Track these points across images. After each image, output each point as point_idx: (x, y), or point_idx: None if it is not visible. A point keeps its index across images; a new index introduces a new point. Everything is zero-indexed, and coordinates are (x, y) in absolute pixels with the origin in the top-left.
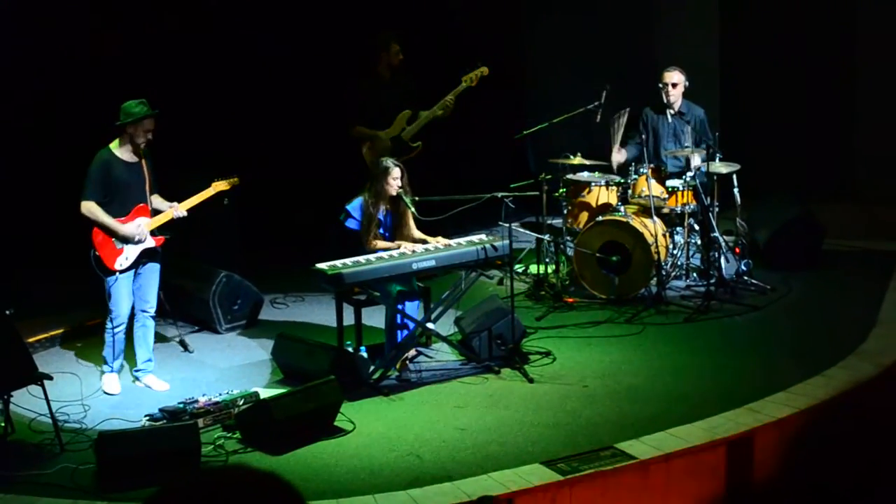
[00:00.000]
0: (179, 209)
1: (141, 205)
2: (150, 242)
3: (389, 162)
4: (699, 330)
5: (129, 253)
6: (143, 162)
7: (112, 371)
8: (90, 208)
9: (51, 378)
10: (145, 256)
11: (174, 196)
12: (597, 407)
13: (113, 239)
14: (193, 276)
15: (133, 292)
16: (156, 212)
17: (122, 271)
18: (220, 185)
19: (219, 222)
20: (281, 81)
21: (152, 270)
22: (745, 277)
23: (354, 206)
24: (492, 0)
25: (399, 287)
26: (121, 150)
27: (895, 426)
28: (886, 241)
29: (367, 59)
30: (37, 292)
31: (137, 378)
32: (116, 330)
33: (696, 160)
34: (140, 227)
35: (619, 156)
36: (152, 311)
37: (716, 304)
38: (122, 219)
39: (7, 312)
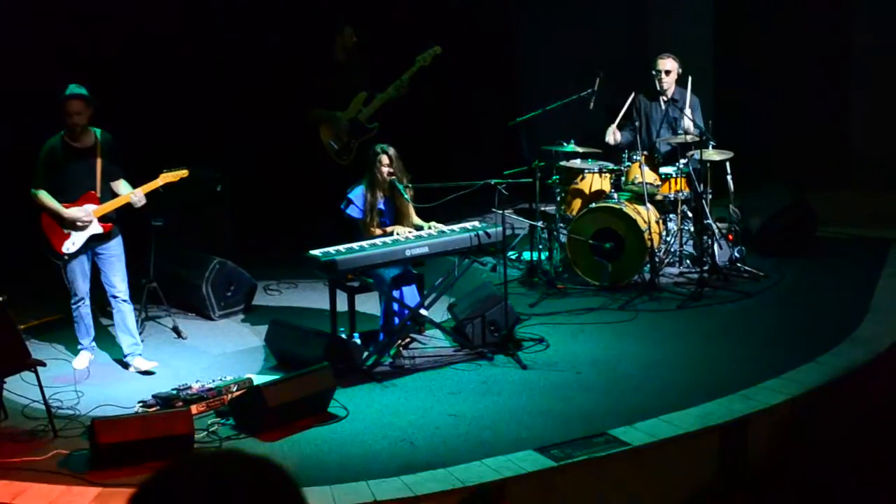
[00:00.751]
0: (137, 195)
1: (89, 191)
2: (97, 228)
3: (379, 147)
4: (692, 317)
5: (76, 237)
6: (98, 148)
7: (83, 348)
8: (37, 194)
9: (44, 364)
10: (96, 241)
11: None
12: (590, 393)
13: (60, 224)
14: (186, 262)
15: (101, 281)
16: (115, 197)
17: (70, 255)
18: (167, 177)
19: (211, 209)
20: (261, 69)
21: (112, 255)
22: (739, 264)
23: (356, 193)
24: None
25: (395, 271)
26: (69, 136)
27: (888, 412)
28: (879, 228)
29: (323, 43)
30: (30, 279)
31: (128, 364)
32: (76, 306)
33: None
34: (85, 213)
35: (614, 136)
36: (122, 294)
37: (709, 290)
38: (69, 204)
39: (1, 299)
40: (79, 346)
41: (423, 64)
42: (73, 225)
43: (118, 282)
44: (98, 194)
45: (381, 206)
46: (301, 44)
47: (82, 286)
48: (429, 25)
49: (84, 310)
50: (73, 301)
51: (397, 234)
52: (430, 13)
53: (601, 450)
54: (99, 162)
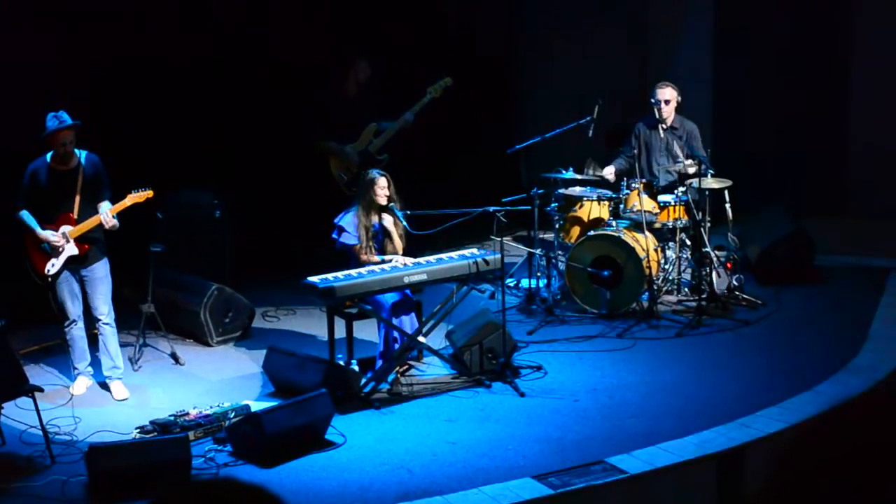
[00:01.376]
0: (108, 215)
1: (66, 213)
2: (73, 250)
3: (375, 172)
4: (690, 345)
5: (55, 260)
6: (80, 170)
7: (79, 373)
8: (19, 215)
9: (41, 390)
10: (77, 263)
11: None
12: (588, 421)
13: (40, 245)
14: (185, 288)
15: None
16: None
17: (52, 277)
18: (134, 198)
19: (210, 235)
20: (268, 98)
21: (96, 278)
22: (737, 292)
23: (347, 220)
24: (485, 14)
25: (393, 299)
26: (53, 159)
27: (885, 441)
28: (877, 256)
29: (333, 74)
30: (29, 304)
31: (107, 386)
32: (68, 328)
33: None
34: (59, 234)
35: (610, 176)
36: (104, 317)
37: (707, 319)
38: (49, 226)
39: None
40: (74, 371)
41: (434, 95)
42: (50, 246)
43: (100, 304)
44: (75, 216)
45: (375, 228)
46: (311, 74)
47: (73, 308)
48: (428, 53)
49: (76, 332)
50: (64, 324)
51: (395, 261)
52: (428, 41)
53: (599, 478)
54: (79, 184)
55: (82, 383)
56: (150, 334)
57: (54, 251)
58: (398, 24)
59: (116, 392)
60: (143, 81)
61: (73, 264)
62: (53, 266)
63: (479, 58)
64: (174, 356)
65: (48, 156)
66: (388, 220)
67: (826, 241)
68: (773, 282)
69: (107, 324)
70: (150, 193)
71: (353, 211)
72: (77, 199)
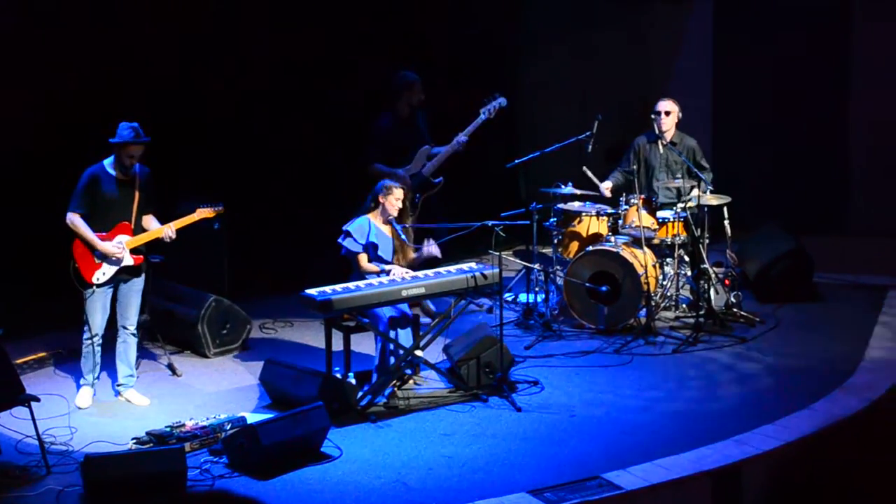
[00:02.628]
0: (171, 229)
1: (123, 222)
2: (129, 260)
3: (389, 182)
4: (688, 361)
5: (107, 269)
6: (137, 180)
7: (86, 384)
8: (73, 220)
9: (38, 400)
10: (124, 273)
11: (163, 217)
12: (584, 436)
13: (93, 253)
14: (182, 299)
15: (115, 308)
16: (143, 230)
17: (98, 285)
18: (204, 213)
19: (208, 246)
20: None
21: (133, 288)
22: (735, 309)
23: (356, 226)
24: (486, 29)
25: (391, 313)
26: (112, 167)
27: (881, 460)
28: (875, 274)
29: (387, 96)
30: (26, 313)
31: (118, 392)
32: (89, 342)
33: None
34: (119, 246)
35: (606, 191)
36: (132, 327)
37: (705, 335)
38: (103, 234)
39: None
40: (81, 381)
41: (489, 116)
42: (107, 257)
43: (132, 314)
44: (132, 226)
45: (379, 240)
46: (366, 96)
47: (101, 323)
48: (428, 67)
49: (96, 347)
50: (86, 336)
51: (394, 273)
52: (427, 55)
53: (594, 493)
54: (137, 195)
55: (87, 394)
56: (147, 345)
57: (108, 260)
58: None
59: (136, 399)
60: (159, 92)
61: (121, 275)
62: (104, 275)
63: (478, 72)
64: (171, 367)
65: (107, 163)
66: (390, 231)
67: (824, 258)
68: (771, 299)
69: (133, 334)
70: (220, 210)
71: (363, 218)
72: (134, 209)
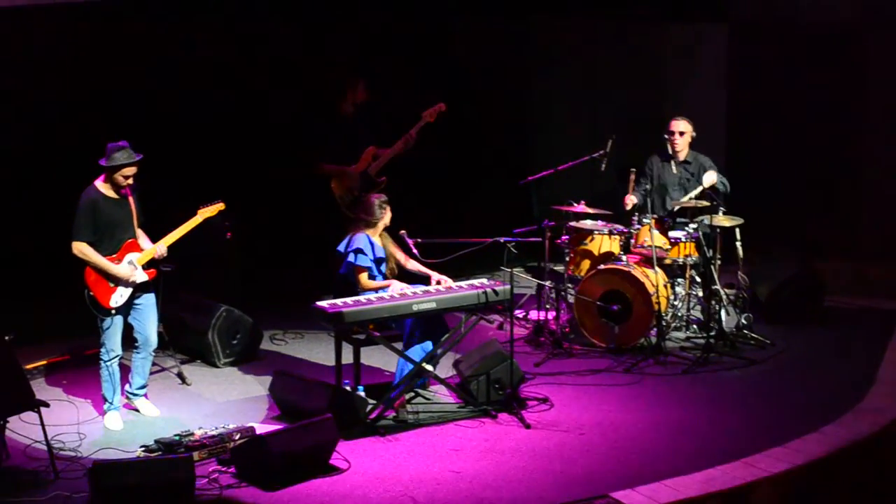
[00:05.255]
0: (162, 247)
1: (129, 241)
2: (143, 276)
3: (385, 198)
4: (697, 382)
5: (123, 291)
6: (130, 197)
7: (114, 408)
8: (82, 249)
9: (47, 405)
10: (139, 290)
11: (163, 228)
12: (592, 455)
13: (106, 277)
14: (193, 309)
15: (132, 324)
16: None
17: (117, 309)
18: (206, 212)
19: (220, 256)
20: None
21: (149, 303)
22: (745, 331)
23: (362, 242)
24: (500, 48)
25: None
26: (105, 187)
27: (891, 484)
28: (887, 298)
29: (331, 95)
30: (36, 319)
31: (129, 399)
32: (110, 363)
33: (710, 176)
34: (132, 266)
35: (630, 202)
36: (154, 345)
37: (715, 356)
38: (113, 256)
39: (6, 338)
40: (108, 406)
41: (428, 120)
42: (121, 280)
43: (152, 332)
44: (137, 241)
45: (382, 255)
46: (307, 95)
47: (118, 342)
48: (443, 80)
49: (116, 367)
50: (105, 358)
51: (393, 289)
52: (445, 69)
53: None
54: (133, 211)
55: (117, 417)
56: (157, 353)
57: (122, 282)
58: (404, 51)
59: (145, 409)
60: (152, 99)
61: (136, 293)
62: (122, 297)
63: (492, 88)
64: (181, 376)
65: (98, 184)
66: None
67: (836, 281)
68: (782, 321)
69: (153, 352)
70: (221, 206)
71: (364, 234)
72: (135, 224)
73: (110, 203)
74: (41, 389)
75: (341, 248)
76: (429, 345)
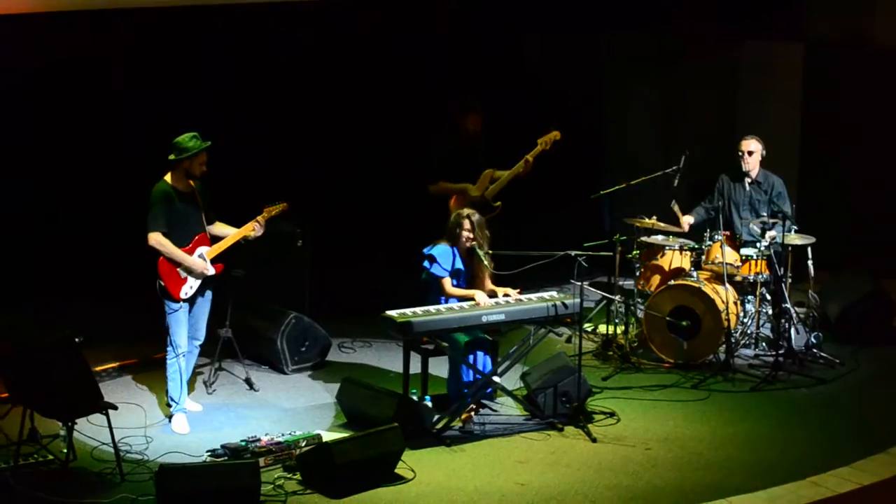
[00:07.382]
0: (260, 225)
1: (200, 234)
2: (211, 270)
3: (463, 213)
4: (765, 400)
5: (193, 283)
6: (197, 192)
7: (181, 411)
8: (158, 239)
9: (115, 408)
10: (204, 284)
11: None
12: (658, 470)
13: (178, 269)
14: (263, 315)
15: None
16: (216, 239)
17: (186, 300)
18: (271, 210)
19: (291, 263)
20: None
21: (207, 299)
22: (815, 350)
23: (440, 252)
24: (576, 63)
25: (465, 338)
26: (176, 182)
27: None
28: None
29: (452, 116)
30: (107, 321)
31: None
32: (174, 360)
33: (772, 232)
34: (204, 260)
35: (686, 222)
36: (202, 339)
37: (783, 374)
38: (185, 248)
39: (77, 340)
40: (175, 407)
41: (544, 147)
42: (193, 271)
43: (203, 326)
44: (208, 236)
45: (461, 267)
46: (429, 112)
47: (185, 336)
48: (518, 96)
49: (182, 364)
50: (171, 355)
51: (478, 299)
52: (520, 85)
53: None
54: (202, 204)
55: (184, 421)
56: (225, 359)
57: (193, 274)
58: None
59: (181, 427)
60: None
61: (202, 286)
62: (192, 289)
63: (567, 104)
64: (248, 382)
65: (168, 179)
66: (471, 260)
67: None
68: (852, 341)
69: (199, 346)
70: (284, 206)
71: (444, 245)
72: (203, 218)
73: (180, 197)
74: (110, 392)
75: (426, 250)
76: (488, 359)
